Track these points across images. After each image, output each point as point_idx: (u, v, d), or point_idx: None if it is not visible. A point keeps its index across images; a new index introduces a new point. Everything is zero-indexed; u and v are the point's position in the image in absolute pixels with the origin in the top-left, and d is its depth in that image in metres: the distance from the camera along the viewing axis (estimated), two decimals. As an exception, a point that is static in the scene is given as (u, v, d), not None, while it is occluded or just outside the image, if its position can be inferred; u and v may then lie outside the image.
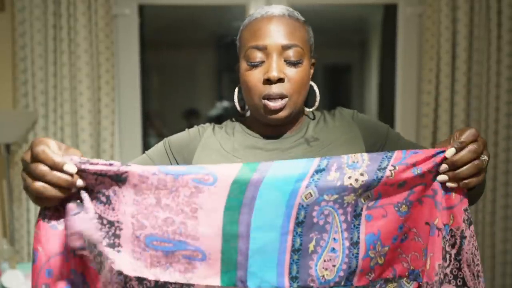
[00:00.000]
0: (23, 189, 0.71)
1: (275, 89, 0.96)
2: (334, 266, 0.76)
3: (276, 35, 0.97)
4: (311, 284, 0.76)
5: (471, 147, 0.74)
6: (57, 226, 0.70)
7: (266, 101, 0.96)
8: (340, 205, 0.76)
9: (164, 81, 3.03)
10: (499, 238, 2.26)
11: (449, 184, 0.76)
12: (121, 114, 2.42)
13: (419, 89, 2.40)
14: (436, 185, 0.77)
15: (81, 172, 0.68)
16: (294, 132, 1.06)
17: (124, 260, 0.71)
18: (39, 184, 0.66)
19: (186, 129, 1.12)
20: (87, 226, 0.69)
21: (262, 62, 0.98)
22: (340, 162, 0.75)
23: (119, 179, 0.70)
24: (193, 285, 0.74)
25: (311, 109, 1.09)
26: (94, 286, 0.74)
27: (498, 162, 2.24)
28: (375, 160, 0.75)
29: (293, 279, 0.76)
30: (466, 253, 0.77)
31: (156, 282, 0.73)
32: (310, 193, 0.74)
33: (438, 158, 0.75)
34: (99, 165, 0.68)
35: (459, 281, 0.78)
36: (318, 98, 1.08)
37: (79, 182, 0.68)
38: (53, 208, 0.71)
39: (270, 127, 1.04)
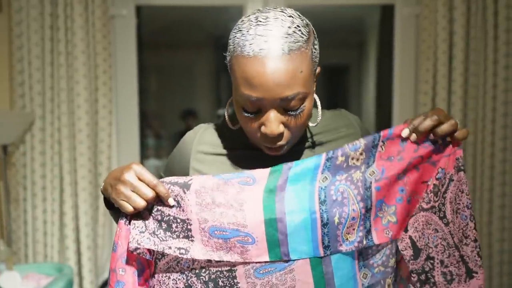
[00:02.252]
0: (111, 198, 0.89)
1: (274, 142, 0.91)
2: (354, 229, 0.91)
3: (274, 86, 0.83)
4: (340, 248, 0.91)
5: (430, 117, 0.86)
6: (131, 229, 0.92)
7: (265, 149, 0.94)
8: (351, 182, 0.91)
9: (162, 82, 3.03)
10: (496, 238, 2.27)
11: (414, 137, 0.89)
12: (119, 115, 2.42)
13: (416, 90, 2.40)
14: (427, 149, 0.91)
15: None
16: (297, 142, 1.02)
17: (197, 248, 0.91)
18: (144, 204, 0.86)
19: (173, 151, 1.13)
20: (150, 244, 0.90)
21: (258, 110, 0.88)
22: (343, 148, 0.90)
23: (185, 185, 0.91)
24: (235, 270, 0.92)
25: (314, 124, 1.02)
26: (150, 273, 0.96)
27: (495, 162, 2.24)
28: (369, 139, 0.90)
29: (326, 247, 0.91)
30: (451, 192, 0.91)
31: (209, 276, 0.93)
32: (325, 177, 0.91)
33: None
34: (172, 179, 0.92)
35: (441, 214, 0.92)
36: (320, 113, 1.00)
37: (171, 202, 0.89)
38: (129, 217, 0.91)
39: None
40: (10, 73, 2.20)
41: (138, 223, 0.91)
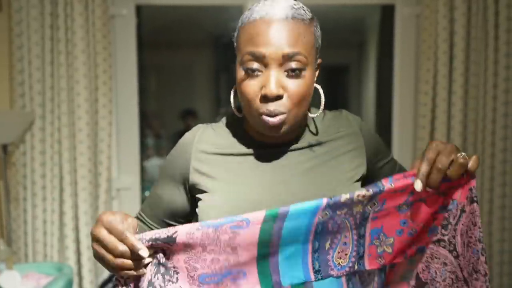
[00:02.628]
0: (94, 257, 0.81)
1: (273, 107, 0.89)
2: (346, 254, 0.91)
3: (277, 42, 0.87)
4: (331, 272, 0.91)
5: (437, 164, 0.81)
6: None
7: (264, 117, 0.90)
8: (350, 214, 0.89)
9: (162, 82, 3.05)
10: (496, 238, 2.27)
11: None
12: (119, 115, 2.42)
13: (416, 90, 2.41)
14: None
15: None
16: (296, 136, 1.03)
17: None
18: (119, 261, 0.77)
19: (174, 147, 1.10)
20: None
21: (259, 71, 0.90)
22: (351, 192, 0.86)
23: (170, 240, 0.82)
24: None
25: (315, 115, 1.03)
26: None
27: (495, 162, 2.25)
28: (376, 189, 0.86)
29: (316, 272, 0.91)
30: (462, 224, 0.88)
31: None
32: (326, 213, 0.86)
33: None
34: (154, 234, 0.82)
35: (451, 247, 0.90)
36: (323, 101, 1.01)
37: (148, 260, 0.80)
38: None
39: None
40: (10, 72, 2.20)
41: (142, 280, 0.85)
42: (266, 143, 1.02)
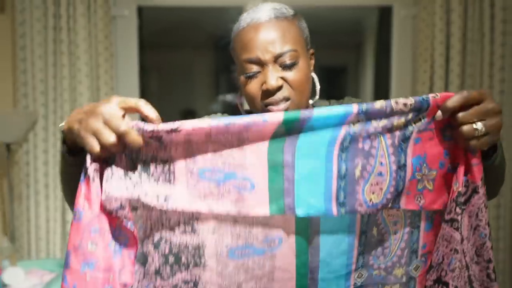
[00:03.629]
0: (78, 136, 0.69)
1: (276, 96, 0.93)
2: (381, 189, 0.76)
3: (267, 45, 0.92)
4: (359, 209, 0.76)
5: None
6: (99, 186, 0.70)
7: (270, 107, 0.94)
8: (389, 129, 0.75)
9: (162, 82, 3.05)
10: (492, 237, 2.27)
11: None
12: None
13: (413, 90, 2.40)
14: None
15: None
16: None
17: (180, 193, 0.73)
18: (100, 124, 0.67)
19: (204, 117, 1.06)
20: (122, 190, 0.69)
21: (258, 72, 0.95)
22: (380, 102, 0.74)
23: (175, 130, 0.71)
24: (204, 247, 0.76)
25: (312, 101, 1.05)
26: (132, 246, 0.75)
27: None
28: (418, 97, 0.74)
29: (340, 204, 0.75)
30: (473, 206, 0.78)
31: (170, 249, 0.76)
32: (358, 120, 0.74)
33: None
34: (156, 126, 0.70)
35: (455, 225, 0.78)
36: (318, 89, 1.05)
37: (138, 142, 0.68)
38: (95, 167, 0.69)
39: None
40: (13, 73, 2.21)
41: (107, 170, 0.70)
42: None
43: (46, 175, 2.20)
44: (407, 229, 0.83)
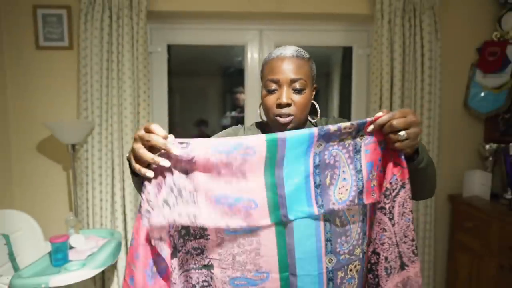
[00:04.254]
0: (132, 158, 0.75)
1: (284, 110, 0.95)
2: (346, 190, 0.78)
3: (286, 71, 0.95)
4: (333, 207, 0.78)
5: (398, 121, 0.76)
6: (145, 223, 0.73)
7: (278, 118, 0.96)
8: (343, 146, 0.78)
9: (184, 101, 3.05)
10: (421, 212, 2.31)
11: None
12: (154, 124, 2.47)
13: (367, 108, 2.47)
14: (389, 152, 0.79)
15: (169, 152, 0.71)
16: None
17: (204, 214, 0.74)
18: (147, 152, 0.72)
19: (227, 130, 1.09)
20: (160, 218, 0.71)
21: (275, 90, 0.96)
22: (335, 125, 0.77)
23: (190, 162, 0.74)
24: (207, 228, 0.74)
25: (314, 120, 1.08)
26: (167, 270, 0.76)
27: None
28: (359, 120, 0.78)
29: (319, 206, 0.77)
30: (400, 197, 0.80)
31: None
32: (320, 143, 0.77)
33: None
34: (179, 149, 0.72)
35: (390, 215, 0.80)
36: (318, 112, 1.08)
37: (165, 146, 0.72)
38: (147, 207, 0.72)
39: None
40: (78, 93, 2.24)
41: (151, 196, 0.72)
42: None
43: (100, 167, 2.23)
44: (361, 218, 0.83)
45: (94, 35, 2.15)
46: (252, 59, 2.46)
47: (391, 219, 0.79)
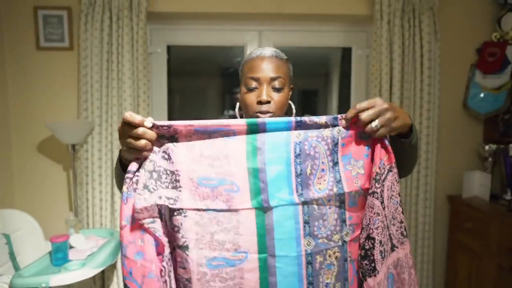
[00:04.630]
0: (121, 149, 0.77)
1: (264, 108, 0.98)
2: (324, 180, 0.80)
3: (266, 70, 0.99)
4: (312, 196, 0.79)
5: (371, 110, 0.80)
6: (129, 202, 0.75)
7: (258, 114, 0.99)
8: (322, 138, 0.80)
9: (183, 101, 3.03)
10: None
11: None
12: None
13: None
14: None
15: (152, 129, 0.74)
16: None
17: (185, 197, 0.75)
18: (131, 140, 0.74)
19: None
20: (142, 202, 0.72)
21: (256, 88, 0.99)
22: (308, 118, 0.80)
23: (173, 139, 0.75)
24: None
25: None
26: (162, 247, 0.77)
27: (420, 168, 2.30)
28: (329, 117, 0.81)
29: (300, 195, 0.79)
30: (389, 181, 0.82)
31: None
32: (299, 133, 0.80)
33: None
34: (160, 126, 0.74)
35: (381, 199, 0.81)
36: (294, 111, 1.11)
37: (153, 135, 0.74)
38: (129, 189, 0.74)
39: None
40: (78, 93, 2.25)
41: (138, 182, 0.74)
42: None
43: (100, 167, 2.24)
44: (337, 204, 0.83)
45: (94, 35, 2.17)
46: (252, 59, 2.46)
47: (382, 202, 0.80)
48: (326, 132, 0.81)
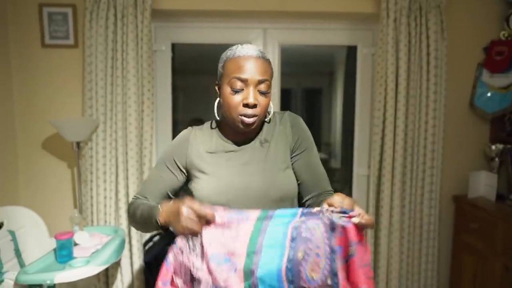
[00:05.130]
0: (178, 227, 0.84)
1: (250, 111, 0.98)
2: (319, 267, 0.74)
3: (254, 72, 0.97)
4: (304, 285, 0.74)
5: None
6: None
7: (243, 117, 0.99)
8: (321, 221, 0.77)
9: (187, 98, 3.04)
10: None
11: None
12: (158, 121, 2.48)
13: (372, 107, 2.47)
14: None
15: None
16: (254, 135, 1.08)
17: (203, 267, 0.82)
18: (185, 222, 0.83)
19: (177, 138, 1.13)
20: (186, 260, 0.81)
21: (241, 90, 0.98)
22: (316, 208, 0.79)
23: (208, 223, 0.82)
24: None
25: (266, 119, 1.10)
26: None
27: (426, 159, 2.28)
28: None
29: (289, 282, 0.75)
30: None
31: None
32: (302, 220, 0.79)
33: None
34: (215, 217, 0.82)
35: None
36: (271, 112, 1.10)
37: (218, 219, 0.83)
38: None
39: (238, 133, 1.06)
40: (82, 91, 2.26)
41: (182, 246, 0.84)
42: (237, 142, 1.09)
43: (104, 165, 2.24)
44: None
45: (99, 33, 2.17)
46: (256, 57, 2.46)
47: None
48: (325, 217, 0.77)
